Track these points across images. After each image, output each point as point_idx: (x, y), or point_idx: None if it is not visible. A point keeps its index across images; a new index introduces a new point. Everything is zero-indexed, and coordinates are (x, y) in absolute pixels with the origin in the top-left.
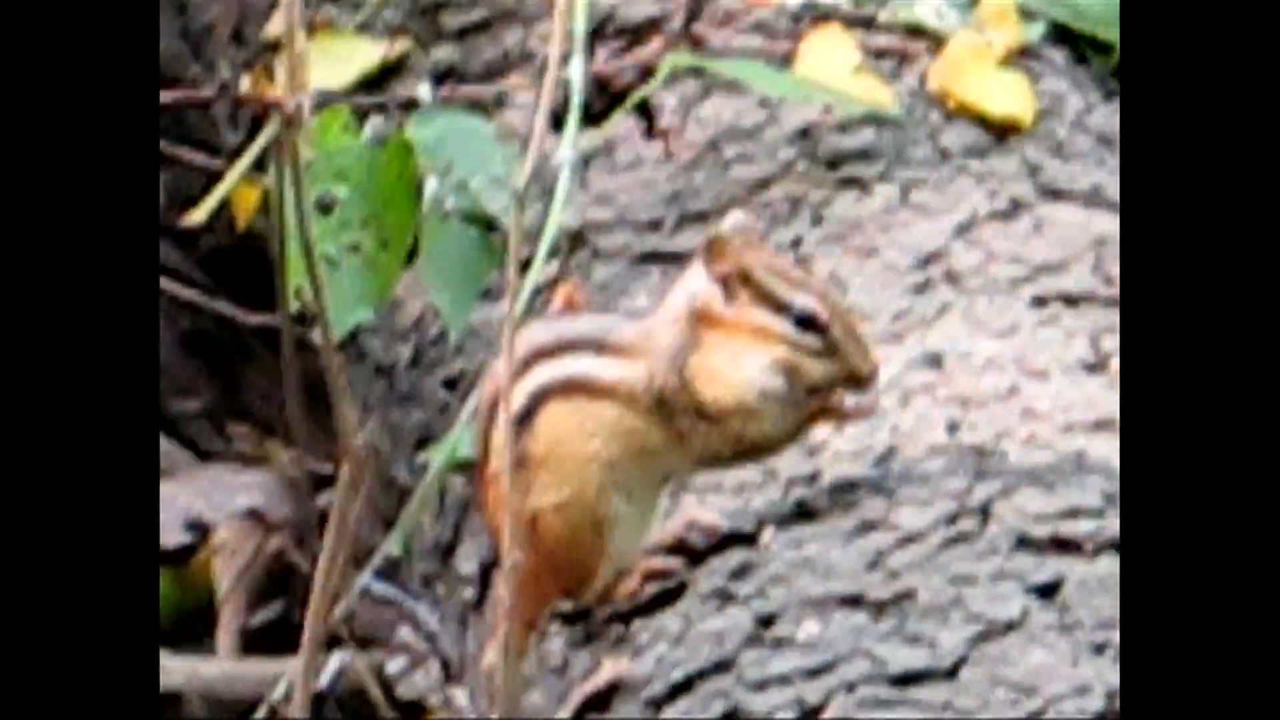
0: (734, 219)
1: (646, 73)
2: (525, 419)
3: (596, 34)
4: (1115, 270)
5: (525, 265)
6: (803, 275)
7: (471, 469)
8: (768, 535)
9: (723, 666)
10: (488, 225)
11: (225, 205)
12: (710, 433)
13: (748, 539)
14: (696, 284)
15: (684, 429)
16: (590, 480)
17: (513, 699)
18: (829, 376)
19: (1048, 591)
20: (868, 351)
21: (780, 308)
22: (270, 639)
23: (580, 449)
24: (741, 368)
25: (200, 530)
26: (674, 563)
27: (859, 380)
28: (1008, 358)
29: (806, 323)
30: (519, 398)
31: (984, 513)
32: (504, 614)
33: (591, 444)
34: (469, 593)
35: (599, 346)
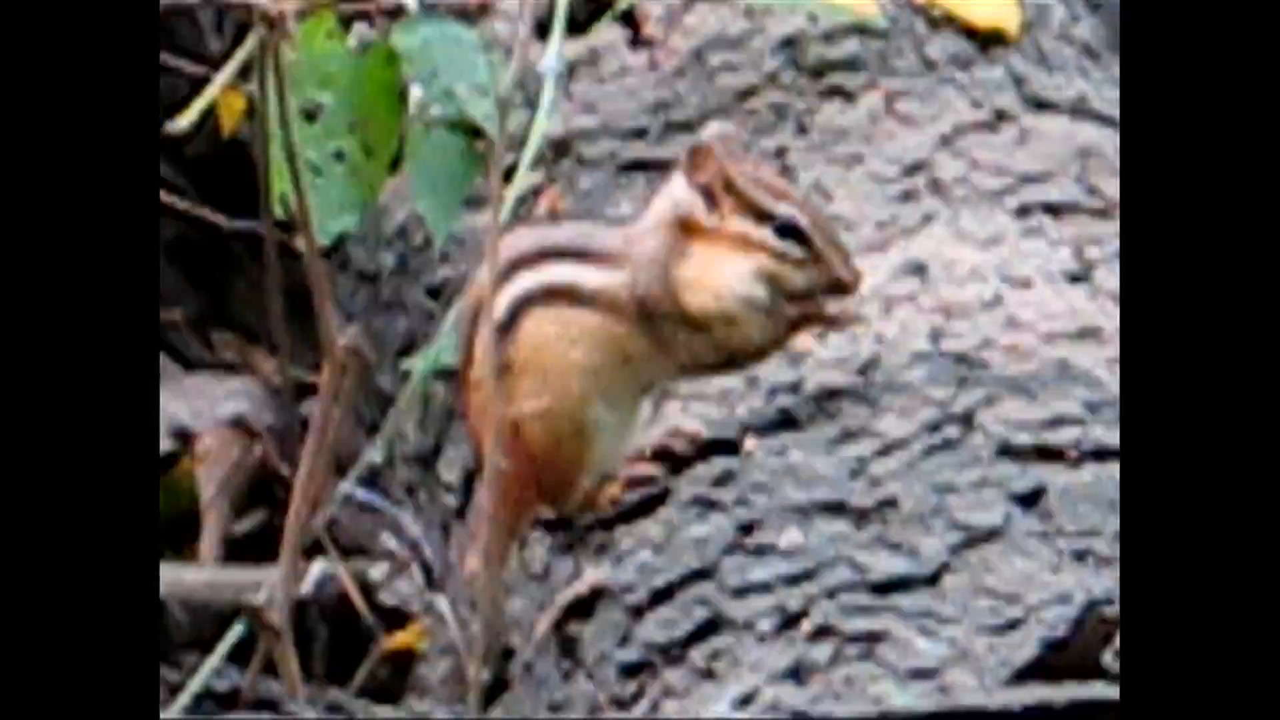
0: (716, 128)
1: None
2: (507, 326)
3: None
4: (1100, 181)
5: (509, 173)
6: (784, 185)
7: (454, 376)
8: (750, 443)
9: (704, 574)
10: (472, 133)
11: (211, 112)
12: (692, 340)
13: (730, 447)
14: (679, 192)
15: (666, 336)
16: (572, 388)
17: (494, 605)
18: (811, 284)
19: (1030, 499)
20: (849, 259)
21: (762, 216)
22: (254, 547)
23: (562, 356)
24: (724, 276)
25: (184, 438)
26: (656, 470)
27: (841, 287)
28: (991, 267)
29: (788, 231)
30: (501, 305)
31: (967, 421)
32: (485, 521)
33: (573, 351)
34: (451, 500)
35: (581, 254)
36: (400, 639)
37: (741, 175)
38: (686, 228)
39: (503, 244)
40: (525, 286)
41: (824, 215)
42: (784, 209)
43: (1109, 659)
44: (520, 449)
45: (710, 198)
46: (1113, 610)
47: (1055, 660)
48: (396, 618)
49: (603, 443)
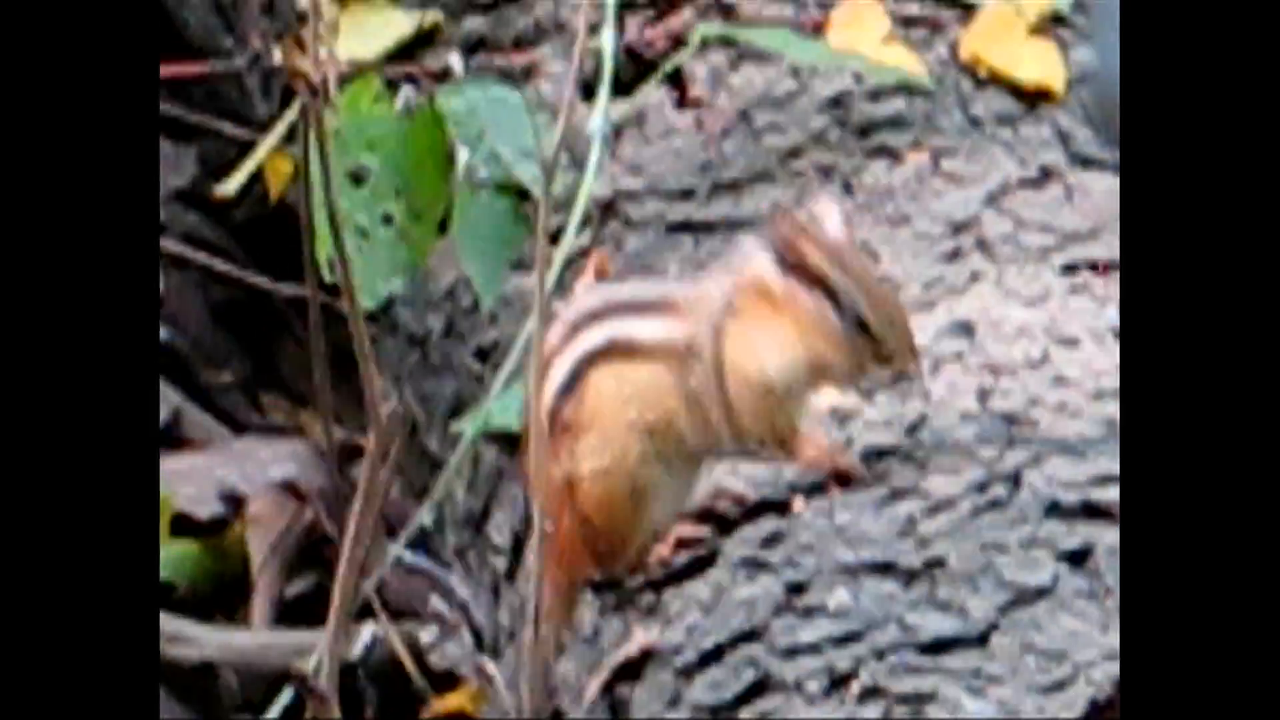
0: (825, 199)
1: (677, 42)
2: (571, 386)
3: (627, 3)
4: None
5: (556, 235)
6: (861, 264)
7: (504, 439)
8: (798, 503)
9: (753, 635)
10: (520, 195)
11: (258, 176)
12: (722, 400)
13: (778, 507)
14: (752, 250)
15: (700, 391)
16: (631, 447)
17: (544, 667)
18: (865, 369)
19: (1078, 558)
20: (912, 349)
21: (829, 294)
22: (304, 610)
23: (620, 413)
24: (773, 349)
25: (234, 502)
26: (703, 531)
27: (902, 376)
28: (1038, 325)
29: (851, 315)
30: (565, 364)
31: (1015, 480)
32: (536, 584)
33: (630, 408)
34: (501, 563)
35: (641, 307)
36: (450, 702)
37: (817, 249)
38: (754, 289)
39: (570, 305)
40: (588, 344)
41: (894, 297)
42: (847, 291)
43: None
44: (575, 508)
45: (784, 264)
46: None
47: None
48: (447, 681)
49: (658, 505)
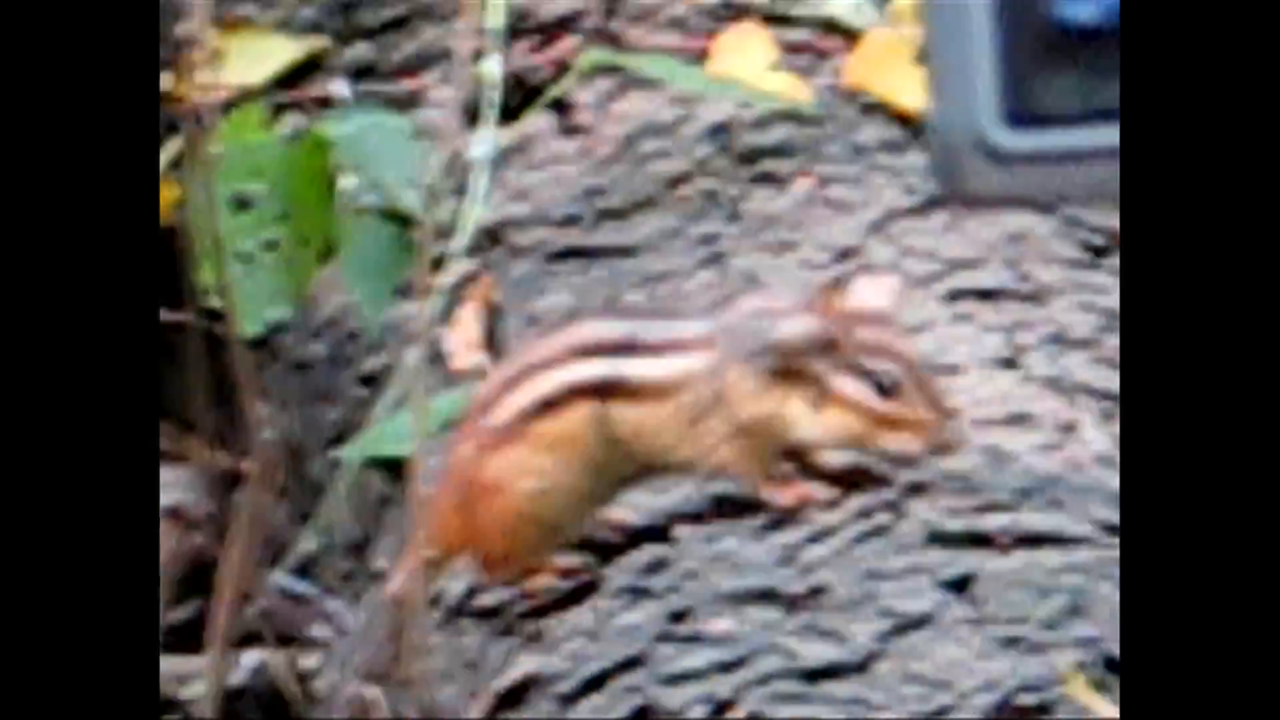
0: (885, 283)
1: (562, 69)
2: (556, 403)
3: (513, 30)
4: (1030, 265)
5: (441, 262)
6: (898, 346)
7: (389, 465)
8: (680, 530)
9: (635, 662)
10: (404, 222)
11: None
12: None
13: (660, 534)
14: (795, 323)
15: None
16: (578, 488)
17: (424, 696)
18: (895, 443)
19: (959, 586)
20: (949, 418)
21: (863, 374)
22: (190, 636)
23: (590, 453)
24: (808, 416)
25: None
26: (585, 559)
27: (942, 448)
28: (922, 353)
29: (885, 389)
30: (557, 380)
31: (897, 508)
32: (420, 610)
33: (607, 451)
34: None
35: (646, 347)
36: None
37: (861, 334)
38: (789, 355)
39: (572, 331)
40: (589, 374)
41: (929, 376)
42: (886, 369)
43: None
44: (490, 505)
45: (825, 345)
46: (1033, 698)
47: None
48: (330, 707)
49: (569, 533)
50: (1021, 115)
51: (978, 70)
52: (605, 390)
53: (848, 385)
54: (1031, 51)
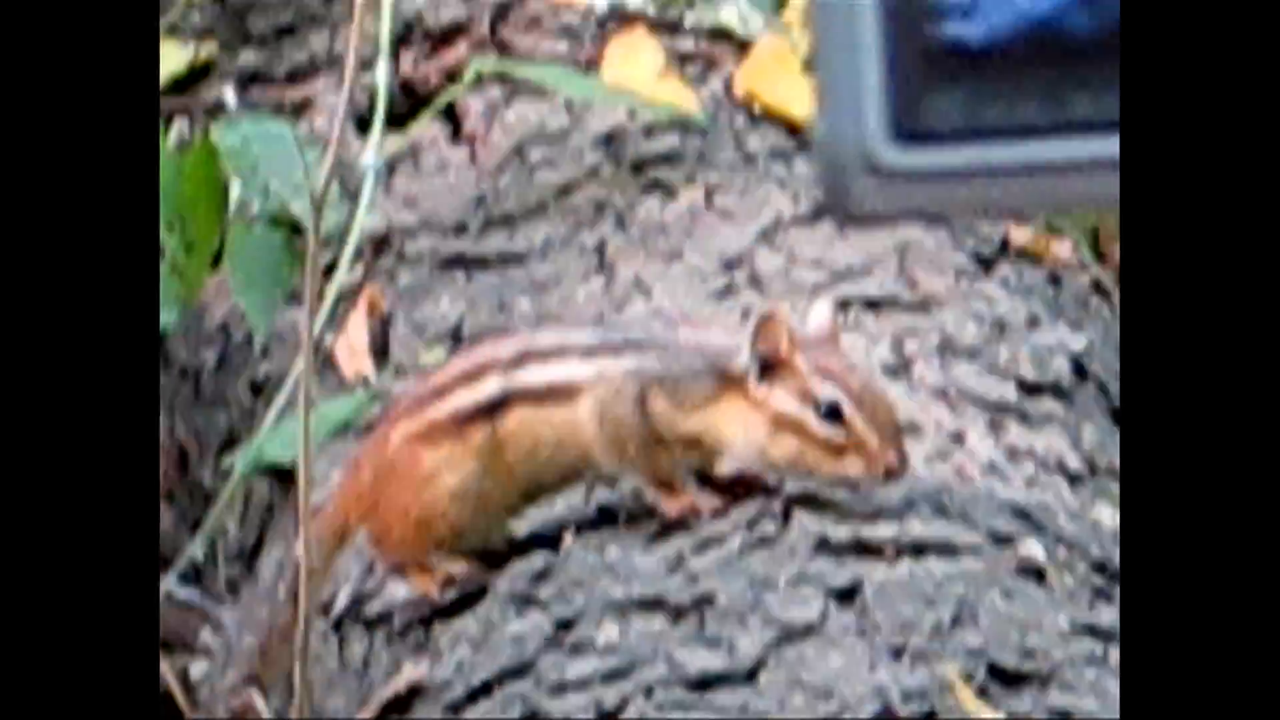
0: (821, 309)
1: (452, 77)
2: (495, 410)
3: (402, 38)
4: (919, 274)
5: (329, 270)
6: (846, 371)
7: (277, 473)
8: (568, 539)
9: (522, 670)
10: (292, 230)
11: None
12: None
13: (549, 542)
14: (736, 352)
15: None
16: (507, 494)
17: (310, 703)
18: (841, 470)
19: (847, 595)
20: (898, 444)
21: (808, 398)
22: None
23: (531, 458)
24: (747, 437)
25: None
26: (472, 566)
27: (887, 473)
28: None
29: (832, 414)
30: (497, 386)
31: (784, 517)
32: (305, 618)
33: (544, 452)
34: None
35: (588, 349)
36: None
37: (804, 358)
38: (729, 381)
39: (518, 338)
40: (527, 380)
41: (882, 400)
42: (829, 392)
43: None
44: (413, 491)
45: (766, 369)
46: (919, 707)
47: None
48: (216, 714)
49: (475, 539)
50: (908, 132)
51: (865, 87)
52: (541, 394)
53: (789, 407)
54: (919, 69)
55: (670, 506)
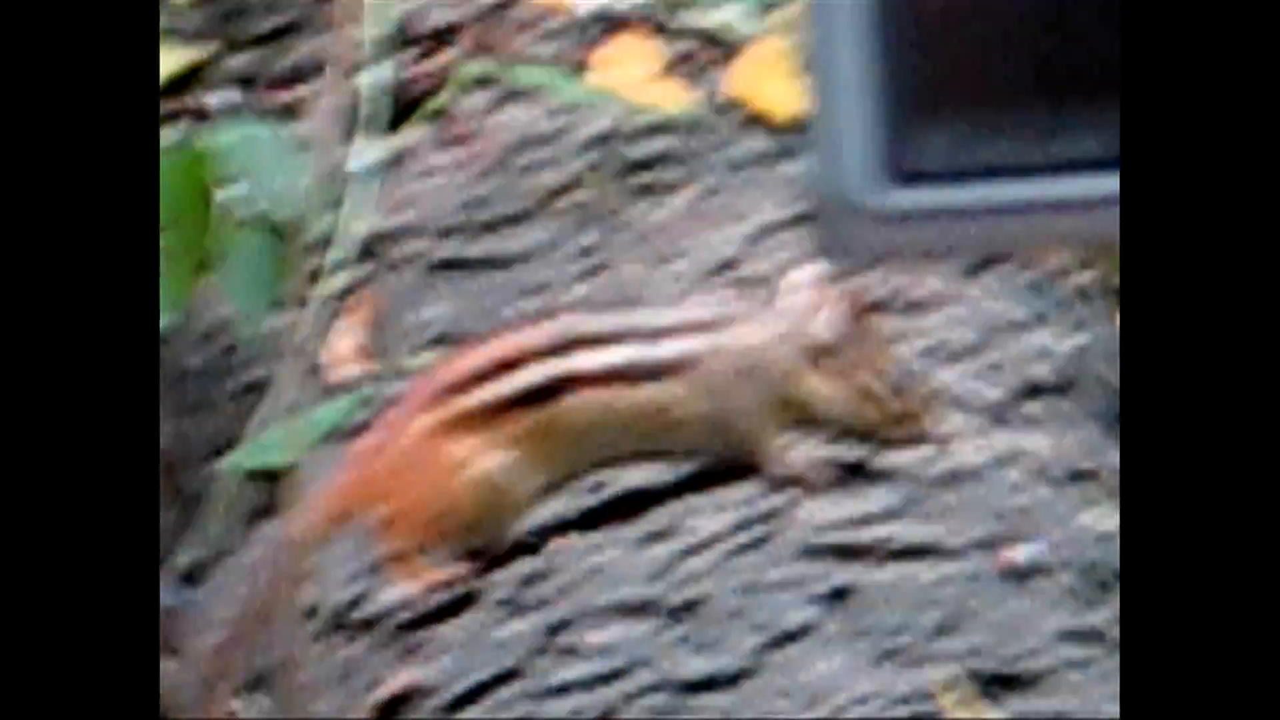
0: (799, 275)
1: (443, 80)
2: (541, 396)
3: (393, 42)
4: (910, 278)
5: (318, 274)
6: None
7: (264, 477)
8: (557, 543)
9: (513, 674)
10: (283, 233)
11: None
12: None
13: (538, 547)
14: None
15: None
16: (540, 480)
17: (299, 710)
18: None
19: (837, 598)
20: (920, 415)
21: (881, 369)
22: None
23: (579, 444)
24: (836, 407)
25: None
26: (463, 570)
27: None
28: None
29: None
30: (543, 373)
31: (775, 519)
32: (292, 623)
33: (601, 435)
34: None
35: (650, 333)
36: None
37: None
38: (821, 350)
39: (564, 320)
40: (581, 365)
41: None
42: (895, 365)
43: None
44: (438, 487)
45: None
46: (909, 711)
47: None
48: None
49: (488, 533)
50: (901, 173)
51: (858, 130)
52: (608, 376)
53: (868, 377)
54: (912, 110)
55: (784, 468)
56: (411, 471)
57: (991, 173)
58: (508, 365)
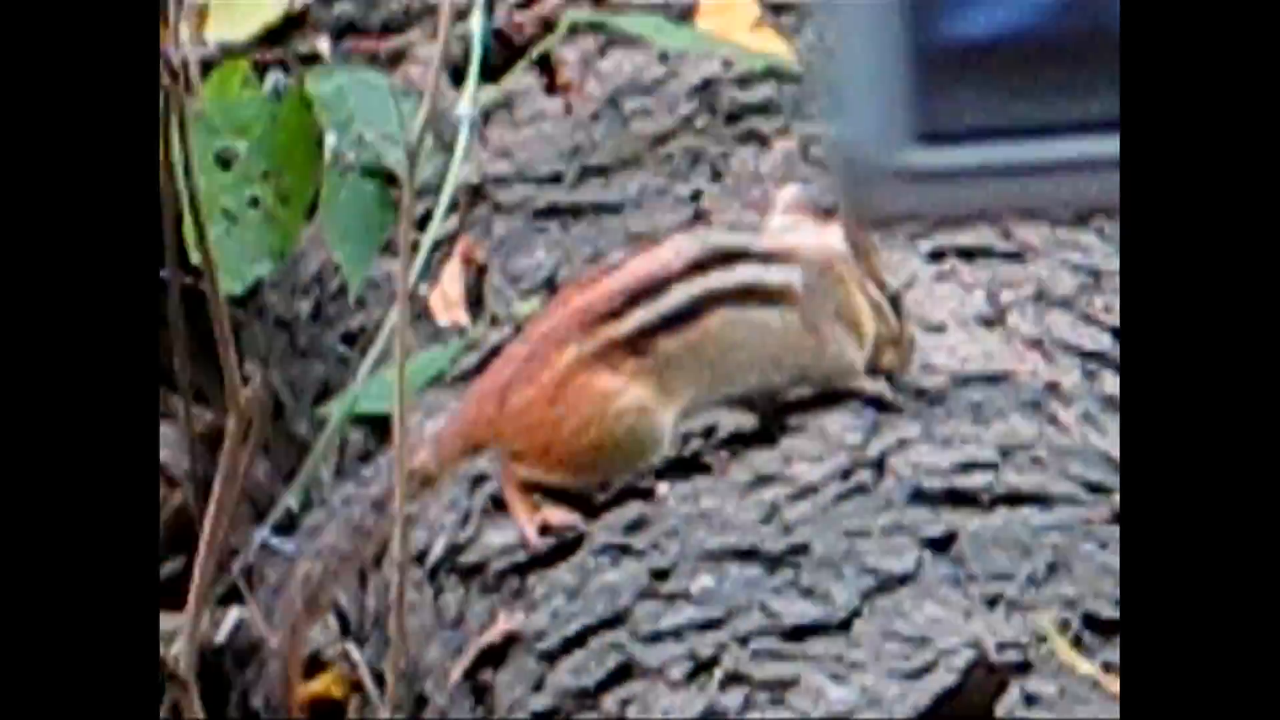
0: (789, 192)
1: (547, 27)
2: (685, 318)
3: None
4: (1012, 225)
5: (424, 220)
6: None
7: (372, 422)
8: (662, 488)
9: (617, 620)
10: (387, 180)
11: None
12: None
13: (643, 492)
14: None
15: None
16: (683, 406)
17: (406, 654)
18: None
19: (942, 544)
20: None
21: (880, 285)
22: (171, 594)
23: (724, 358)
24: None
25: None
26: (573, 517)
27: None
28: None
29: (894, 302)
30: (684, 295)
31: (879, 466)
32: (401, 570)
33: (741, 353)
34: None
35: (762, 256)
36: (315, 686)
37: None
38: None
39: (693, 239)
40: (715, 284)
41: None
42: (894, 282)
43: (1000, 709)
44: (589, 418)
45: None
46: (1014, 656)
47: (947, 709)
48: (312, 664)
49: (621, 471)
50: (929, 132)
51: (884, 88)
52: (742, 293)
53: (876, 294)
54: (937, 69)
55: (877, 391)
56: (561, 404)
57: (1015, 132)
58: (651, 289)
